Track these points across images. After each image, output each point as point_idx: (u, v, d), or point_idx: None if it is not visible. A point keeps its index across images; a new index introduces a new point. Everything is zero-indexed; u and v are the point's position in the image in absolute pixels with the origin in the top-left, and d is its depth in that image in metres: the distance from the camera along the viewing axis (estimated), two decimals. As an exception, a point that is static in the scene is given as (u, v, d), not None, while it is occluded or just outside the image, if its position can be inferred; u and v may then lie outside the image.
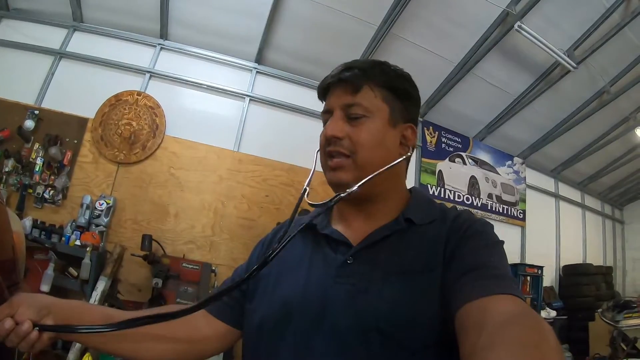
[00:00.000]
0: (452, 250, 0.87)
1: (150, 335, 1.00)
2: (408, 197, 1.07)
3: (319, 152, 1.05)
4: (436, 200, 1.10)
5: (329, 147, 0.97)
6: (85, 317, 0.95)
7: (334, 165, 0.97)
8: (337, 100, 0.99)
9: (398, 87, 1.01)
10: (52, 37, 4.78)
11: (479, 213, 6.38)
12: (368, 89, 0.97)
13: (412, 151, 1.06)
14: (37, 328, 0.87)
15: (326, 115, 1.03)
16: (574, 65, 5.43)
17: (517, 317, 0.64)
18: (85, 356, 3.33)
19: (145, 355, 1.02)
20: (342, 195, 0.93)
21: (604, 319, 5.84)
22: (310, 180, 1.02)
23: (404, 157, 1.02)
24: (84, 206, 4.12)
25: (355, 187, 0.92)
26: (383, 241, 0.94)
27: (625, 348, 5.26)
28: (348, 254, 0.93)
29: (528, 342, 0.56)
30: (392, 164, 0.96)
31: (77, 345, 3.34)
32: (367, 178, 0.92)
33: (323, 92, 1.05)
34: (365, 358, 0.79)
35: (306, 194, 1.02)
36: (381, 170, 0.94)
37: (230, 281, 1.11)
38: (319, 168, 1.04)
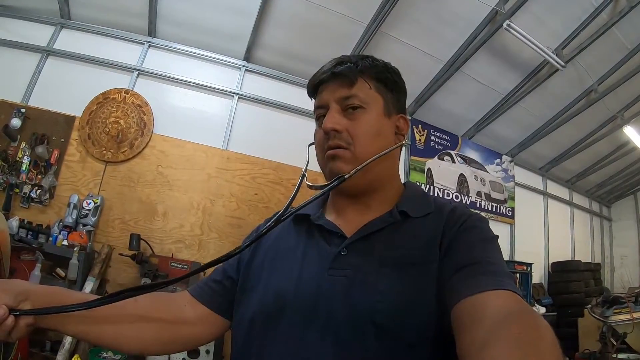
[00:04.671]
0: (448, 244, 0.87)
1: (133, 320, 0.97)
2: (402, 190, 1.08)
3: (312, 146, 1.06)
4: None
5: (329, 142, 0.97)
6: (65, 302, 0.88)
7: (333, 154, 0.96)
8: (332, 94, 0.99)
9: (388, 79, 1.02)
10: (39, 34, 4.72)
11: (468, 211, 6.42)
12: (362, 81, 0.98)
13: (406, 139, 1.07)
14: (17, 313, 0.82)
15: (320, 110, 1.03)
16: (562, 64, 5.45)
17: (515, 313, 0.64)
18: (74, 357, 3.31)
19: (129, 342, 0.98)
20: (344, 176, 0.91)
21: (593, 315, 5.88)
22: (307, 167, 1.02)
23: (400, 143, 1.03)
24: (71, 206, 4.08)
25: (356, 170, 0.91)
26: (378, 233, 0.94)
27: (615, 343, 5.31)
28: (342, 245, 0.93)
29: (526, 339, 0.56)
30: (389, 149, 0.98)
31: (66, 346, 3.32)
32: (368, 161, 0.92)
33: (314, 88, 1.05)
34: (360, 351, 0.78)
35: (305, 178, 1.00)
36: (379, 154, 0.94)
37: (221, 269, 1.10)
38: (312, 159, 1.05)
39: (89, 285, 3.69)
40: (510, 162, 7.62)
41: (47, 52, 4.69)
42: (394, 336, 0.77)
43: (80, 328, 0.93)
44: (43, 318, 0.87)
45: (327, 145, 0.97)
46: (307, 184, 0.99)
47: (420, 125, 6.49)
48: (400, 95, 1.07)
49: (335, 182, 0.92)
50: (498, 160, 7.43)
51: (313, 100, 1.07)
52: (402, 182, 1.12)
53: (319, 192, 0.94)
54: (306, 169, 1.02)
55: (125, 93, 4.72)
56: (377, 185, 1.01)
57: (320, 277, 0.89)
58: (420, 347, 0.77)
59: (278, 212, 0.93)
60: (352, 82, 0.97)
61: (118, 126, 4.56)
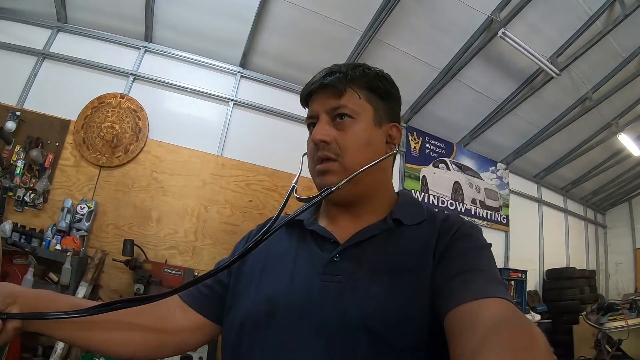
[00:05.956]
0: (442, 252, 0.87)
1: (122, 324, 0.96)
2: (396, 198, 1.08)
3: (305, 156, 1.06)
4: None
5: (318, 153, 0.97)
6: (54, 306, 0.89)
7: (322, 169, 0.96)
8: (321, 105, 0.99)
9: (379, 87, 1.02)
10: (35, 37, 4.70)
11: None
12: (352, 91, 0.98)
13: (398, 148, 1.06)
14: (4, 317, 0.81)
15: (311, 120, 1.03)
16: (557, 72, 5.49)
17: (507, 320, 0.64)
18: (65, 362, 3.29)
19: (117, 347, 0.96)
20: (331, 189, 0.91)
21: (589, 322, 5.89)
22: (297, 179, 1.02)
23: (390, 153, 1.02)
24: (65, 210, 4.06)
25: (344, 181, 0.91)
26: (371, 240, 0.94)
27: (610, 350, 5.32)
28: (335, 251, 0.92)
29: (518, 346, 0.56)
30: (379, 159, 0.96)
31: (58, 351, 3.29)
32: (356, 173, 0.92)
33: (306, 98, 1.05)
34: (352, 357, 0.77)
35: (294, 190, 1.00)
36: (368, 165, 0.93)
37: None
38: (305, 170, 1.04)
39: (82, 291, 3.67)
40: (505, 169, 7.64)
41: (44, 55, 4.68)
42: (386, 342, 0.77)
43: (68, 332, 0.92)
44: (31, 322, 0.86)
45: (317, 156, 0.98)
46: (295, 196, 0.99)
47: (415, 133, 6.51)
48: (393, 103, 1.06)
49: (321, 195, 0.93)
50: (493, 167, 7.45)
51: (306, 109, 1.07)
52: (397, 190, 1.12)
53: (307, 203, 0.94)
54: (297, 180, 1.02)
55: (120, 98, 4.70)
56: (368, 195, 1.01)
57: (312, 283, 0.88)
58: (412, 353, 0.77)
59: (271, 218, 0.93)
60: (341, 92, 0.97)
61: (113, 131, 4.55)
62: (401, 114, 1.13)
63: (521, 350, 0.55)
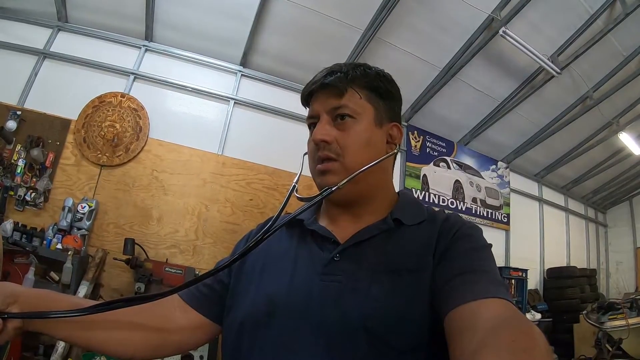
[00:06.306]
0: (442, 252, 0.87)
1: (122, 323, 0.95)
2: (396, 198, 1.07)
3: (306, 155, 1.05)
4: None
5: (319, 153, 0.97)
6: (54, 305, 0.88)
7: (323, 169, 0.96)
8: (322, 105, 0.99)
9: (380, 87, 1.01)
10: (36, 36, 4.70)
11: (463, 217, 6.42)
12: (352, 91, 0.97)
13: (399, 148, 1.06)
14: (5, 316, 0.81)
15: (311, 120, 1.03)
16: (558, 70, 5.48)
17: (508, 321, 0.64)
18: (66, 361, 3.29)
19: (118, 346, 0.96)
20: (332, 189, 0.91)
21: (589, 321, 5.88)
22: (298, 178, 1.01)
23: (391, 153, 1.02)
24: (66, 209, 4.06)
25: (344, 181, 0.91)
26: (371, 240, 0.93)
27: (610, 349, 5.32)
28: (335, 251, 0.92)
29: (518, 347, 0.56)
30: (379, 159, 0.96)
31: (59, 350, 3.30)
32: (356, 172, 0.92)
33: (307, 98, 1.05)
34: (352, 358, 0.77)
35: (295, 190, 0.99)
36: (369, 165, 0.93)
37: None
38: (306, 169, 1.04)
39: (83, 290, 3.67)
40: (506, 168, 7.64)
41: (44, 54, 4.68)
42: (386, 343, 0.77)
43: (68, 332, 0.92)
44: (31, 321, 0.86)
45: (317, 156, 0.97)
46: (296, 196, 0.99)
47: (416, 132, 6.50)
48: (394, 103, 1.06)
49: (322, 195, 0.92)
50: (493, 166, 7.45)
51: (307, 109, 1.07)
52: (397, 190, 1.11)
53: (308, 203, 0.93)
54: (297, 180, 1.01)
55: (121, 97, 4.70)
56: (369, 194, 1.01)
57: (312, 282, 0.88)
58: (412, 353, 0.76)
59: (271, 217, 0.93)
60: (342, 92, 0.97)
61: (114, 130, 4.55)
62: (402, 112, 1.12)
63: (521, 351, 0.55)
